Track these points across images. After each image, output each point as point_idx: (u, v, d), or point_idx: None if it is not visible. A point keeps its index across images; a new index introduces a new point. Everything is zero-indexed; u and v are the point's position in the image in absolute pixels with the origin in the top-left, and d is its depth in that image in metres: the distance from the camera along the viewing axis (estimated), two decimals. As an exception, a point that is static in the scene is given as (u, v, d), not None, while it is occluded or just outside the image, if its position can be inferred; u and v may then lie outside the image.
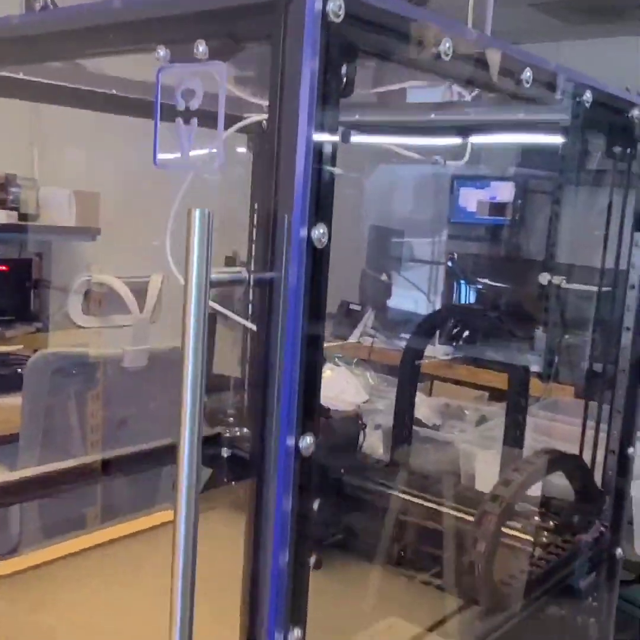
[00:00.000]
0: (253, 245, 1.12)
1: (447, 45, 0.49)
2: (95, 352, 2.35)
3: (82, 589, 0.88)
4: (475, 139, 0.96)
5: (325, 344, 0.64)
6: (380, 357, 3.41)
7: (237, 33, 0.44)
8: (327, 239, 0.43)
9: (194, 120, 0.46)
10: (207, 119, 0.51)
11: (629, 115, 0.75)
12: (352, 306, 4.19)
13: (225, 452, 1.17)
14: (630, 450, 0.87)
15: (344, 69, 0.42)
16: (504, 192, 5.84)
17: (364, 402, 2.97)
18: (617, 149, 0.80)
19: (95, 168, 3.30)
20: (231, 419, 1.22)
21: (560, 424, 1.72)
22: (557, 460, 0.78)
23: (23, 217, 3.26)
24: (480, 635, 0.69)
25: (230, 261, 1.44)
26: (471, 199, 5.93)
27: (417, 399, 1.17)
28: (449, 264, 4.07)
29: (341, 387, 2.91)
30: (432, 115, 0.90)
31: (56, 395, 2.20)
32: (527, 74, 0.58)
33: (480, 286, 4.20)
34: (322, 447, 0.48)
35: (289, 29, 0.41)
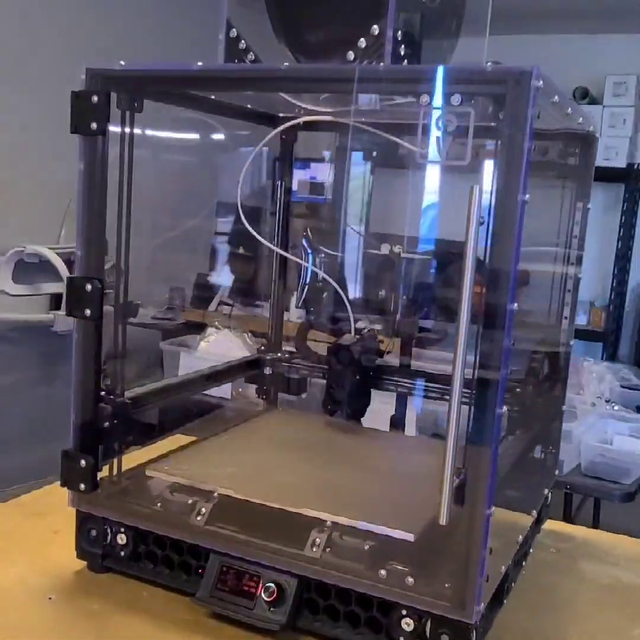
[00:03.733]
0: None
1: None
2: (27, 317, 2.56)
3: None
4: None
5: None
6: (240, 323, 3.81)
7: (482, 92, 0.85)
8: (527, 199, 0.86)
9: (450, 137, 0.86)
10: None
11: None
12: (209, 277, 4.52)
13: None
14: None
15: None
16: (323, 172, 6.36)
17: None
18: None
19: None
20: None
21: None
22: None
23: None
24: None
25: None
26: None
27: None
28: (304, 242, 4.52)
29: (228, 346, 3.28)
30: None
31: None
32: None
33: (323, 257, 4.68)
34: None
35: (520, 92, 0.83)
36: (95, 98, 1.04)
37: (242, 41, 1.06)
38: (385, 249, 3.80)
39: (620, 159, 5.00)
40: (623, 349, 5.54)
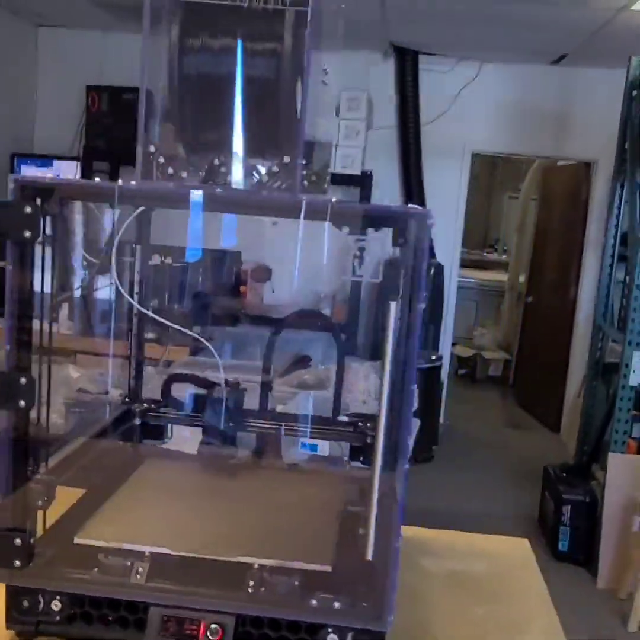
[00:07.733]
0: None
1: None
2: None
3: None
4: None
5: None
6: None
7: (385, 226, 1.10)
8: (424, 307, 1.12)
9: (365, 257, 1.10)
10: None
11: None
12: None
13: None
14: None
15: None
16: (69, 170, 6.25)
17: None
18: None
19: None
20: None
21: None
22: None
23: None
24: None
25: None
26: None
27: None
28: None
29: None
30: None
31: None
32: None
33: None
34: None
35: (420, 230, 1.08)
36: (28, 209, 1.13)
37: (160, 157, 1.20)
38: (156, 259, 3.97)
39: (356, 167, 5.54)
40: (360, 339, 6.14)
